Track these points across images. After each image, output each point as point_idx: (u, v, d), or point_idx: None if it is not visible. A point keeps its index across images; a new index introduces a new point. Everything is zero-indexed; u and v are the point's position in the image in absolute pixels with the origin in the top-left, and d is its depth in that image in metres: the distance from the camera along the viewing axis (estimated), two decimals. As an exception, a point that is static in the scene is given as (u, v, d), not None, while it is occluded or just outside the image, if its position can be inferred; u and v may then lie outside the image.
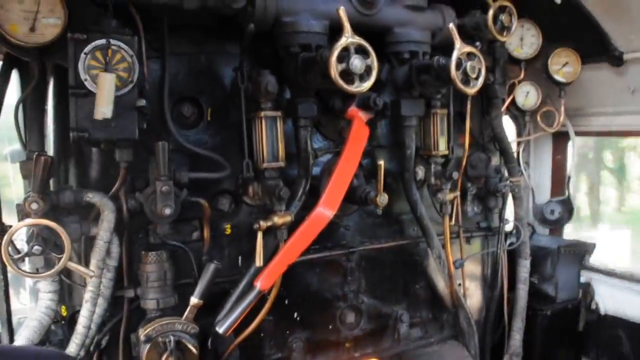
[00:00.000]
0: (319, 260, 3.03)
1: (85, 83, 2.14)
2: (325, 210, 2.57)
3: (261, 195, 2.60)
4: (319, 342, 3.15)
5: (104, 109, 2.09)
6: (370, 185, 2.91)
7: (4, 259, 2.03)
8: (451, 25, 2.71)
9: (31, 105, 2.41)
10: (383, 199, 2.74)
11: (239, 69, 2.57)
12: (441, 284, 3.46)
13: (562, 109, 3.68)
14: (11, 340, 2.39)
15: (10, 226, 2.13)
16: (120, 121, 2.18)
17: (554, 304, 3.91)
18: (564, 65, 3.57)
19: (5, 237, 2.02)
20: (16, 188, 2.48)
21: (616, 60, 3.36)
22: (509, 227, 3.80)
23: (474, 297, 3.80)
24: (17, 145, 2.78)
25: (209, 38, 2.69)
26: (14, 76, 2.50)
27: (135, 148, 2.36)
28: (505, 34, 3.06)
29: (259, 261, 2.54)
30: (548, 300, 3.93)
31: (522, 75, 3.61)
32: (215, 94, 2.71)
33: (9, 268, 2.08)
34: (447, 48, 2.79)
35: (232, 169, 2.62)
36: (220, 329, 2.47)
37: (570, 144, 4.01)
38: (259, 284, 2.50)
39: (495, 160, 3.66)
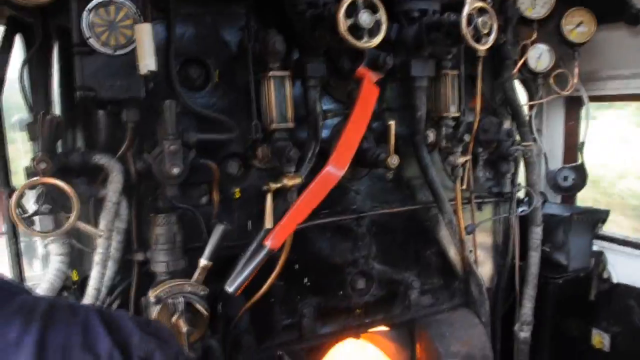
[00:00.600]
0: (329, 225, 3.00)
1: (89, 41, 2.10)
2: (334, 169, 2.54)
3: (270, 157, 2.57)
4: (330, 308, 3.14)
5: (147, 62, 2.04)
6: (380, 148, 2.86)
7: (13, 217, 2.02)
8: (462, -19, 2.64)
9: (36, 67, 2.38)
10: (394, 160, 2.69)
11: (245, 28, 2.52)
12: (452, 251, 3.43)
13: (576, 71, 3.59)
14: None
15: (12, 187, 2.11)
16: (126, 80, 2.14)
17: (565, 272, 3.86)
18: (578, 25, 3.47)
19: (14, 195, 2.00)
20: (26, 157, 2.46)
21: (634, 19, 3.25)
22: (521, 193, 3.74)
23: (485, 265, 3.77)
24: (25, 114, 2.76)
25: (214, -1, 2.64)
26: (18, 41, 2.47)
27: (143, 110, 2.32)
28: (517, -10, 2.98)
29: (269, 223, 2.52)
30: (560, 269, 3.88)
31: (534, 36, 3.51)
32: (222, 55, 2.66)
33: (19, 227, 2.07)
34: (457, 6, 2.73)
35: (240, 131, 2.58)
36: (230, 288, 2.46)
37: (583, 109, 3.93)
38: (268, 243, 2.47)
39: (507, 124, 3.59)
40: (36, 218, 2.18)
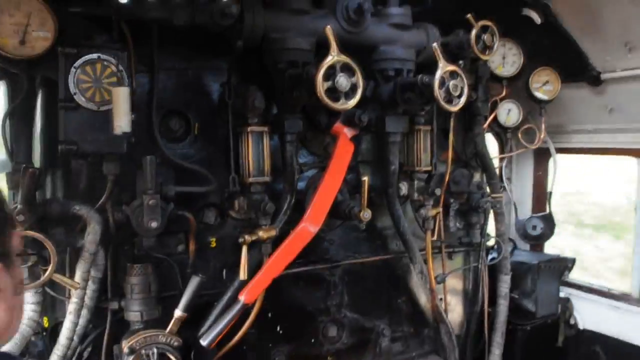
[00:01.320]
0: (302, 274, 3.06)
1: (75, 97, 2.17)
2: (309, 226, 2.61)
3: (247, 209, 2.64)
4: (301, 355, 3.17)
5: (121, 123, 2.12)
6: (354, 201, 2.95)
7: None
8: (435, 45, 2.78)
9: (19, 117, 2.43)
10: (367, 214, 2.78)
11: (226, 84, 2.61)
12: (423, 299, 3.51)
13: (543, 126, 3.77)
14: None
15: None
16: (108, 135, 2.20)
17: (534, 319, 3.96)
18: (544, 83, 3.66)
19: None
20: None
21: (594, 79, 3.46)
22: (490, 242, 3.86)
23: (455, 312, 3.85)
24: (2, 156, 2.78)
25: (197, 53, 2.73)
26: (1, 89, 2.52)
27: (122, 161, 2.38)
28: (487, 53, 3.14)
29: (243, 275, 2.56)
30: (528, 315, 3.98)
31: (504, 93, 3.69)
32: (202, 108, 2.74)
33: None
34: (431, 65, 2.87)
35: (218, 182, 2.65)
36: (204, 342, 2.49)
37: (551, 160, 4.09)
38: (243, 297, 2.52)
39: (478, 176, 3.72)
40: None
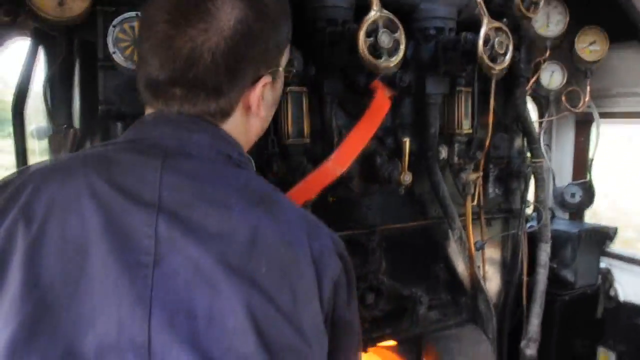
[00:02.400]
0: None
1: (114, 56, 2.14)
2: (334, 166, 2.52)
3: (285, 172, 2.60)
4: (338, 321, 3.15)
5: None
6: (392, 164, 2.88)
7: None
8: (479, 0, 2.68)
9: (59, 81, 2.42)
10: (407, 177, 2.72)
11: (265, 43, 2.54)
12: (461, 267, 3.45)
13: (588, 89, 3.62)
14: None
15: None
16: (147, 94, 2.17)
17: (572, 289, 3.88)
18: (590, 44, 3.51)
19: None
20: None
21: (645, 40, 3.30)
22: (529, 210, 3.76)
23: (492, 281, 3.78)
24: (41, 123, 2.80)
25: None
26: (41, 53, 2.51)
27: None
28: (533, 10, 3.01)
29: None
30: (567, 285, 3.90)
31: (547, 55, 3.55)
32: None
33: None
34: (472, 25, 2.77)
35: (256, 145, 2.60)
36: None
37: (594, 126, 3.95)
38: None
39: (518, 141, 3.61)
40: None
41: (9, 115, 2.45)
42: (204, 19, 1.28)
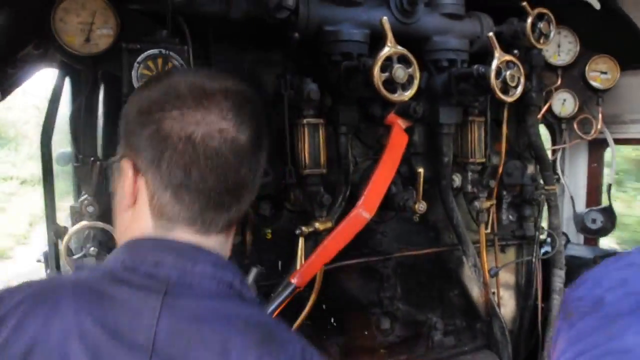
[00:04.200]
0: (355, 266, 3.06)
1: (137, 91, 2.23)
2: (363, 212, 2.61)
3: (302, 201, 2.65)
4: (355, 347, 3.17)
5: None
6: (407, 192, 2.93)
7: (64, 259, 2.12)
8: (490, 34, 2.75)
9: (84, 112, 2.51)
10: (422, 206, 2.76)
11: (282, 76, 2.62)
12: (475, 292, 3.46)
13: (600, 116, 3.66)
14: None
15: (65, 227, 2.21)
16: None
17: (588, 315, 3.85)
18: (601, 72, 3.55)
19: (66, 237, 2.11)
20: (59, 188, 2.57)
21: (656, 66, 3.33)
22: (543, 236, 3.77)
23: (507, 307, 3.78)
24: (63, 149, 2.89)
25: (251, 46, 2.75)
26: (67, 85, 2.61)
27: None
28: (543, 41, 3.06)
29: (300, 266, 2.58)
30: (583, 310, 3.87)
31: (558, 83, 3.60)
32: None
33: (67, 267, 2.17)
34: (485, 55, 2.83)
35: (274, 174, 2.67)
36: None
37: (608, 151, 3.97)
38: (294, 280, 2.54)
39: (531, 168, 3.64)
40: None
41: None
42: None
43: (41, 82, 2.87)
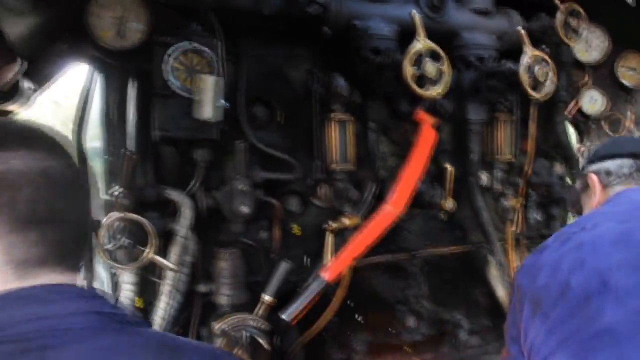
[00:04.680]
0: (382, 264, 3.05)
1: (169, 84, 2.25)
2: (392, 209, 2.60)
3: (330, 197, 2.65)
4: (380, 345, 3.15)
5: (205, 110, 2.18)
6: (435, 190, 2.92)
7: (100, 250, 2.15)
8: (521, 29, 2.72)
9: (116, 106, 2.54)
10: (450, 204, 2.75)
11: (311, 71, 2.62)
12: (501, 292, 3.42)
13: (629, 114, 3.60)
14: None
15: (97, 221, 2.24)
16: (200, 121, 2.26)
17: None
18: (632, 69, 3.50)
19: (102, 230, 2.14)
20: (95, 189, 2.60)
21: (688, 64, 3.27)
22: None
23: (533, 306, 3.73)
24: (92, 144, 2.93)
25: (281, 41, 2.75)
26: (99, 81, 2.64)
27: (212, 148, 2.45)
28: (573, 37, 3.03)
29: (328, 261, 2.58)
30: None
31: (587, 80, 3.55)
32: (286, 96, 2.77)
33: (99, 259, 2.20)
34: (513, 52, 2.81)
35: (301, 170, 2.67)
36: (284, 315, 2.51)
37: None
38: (324, 275, 2.54)
39: (559, 167, 3.59)
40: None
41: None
42: None
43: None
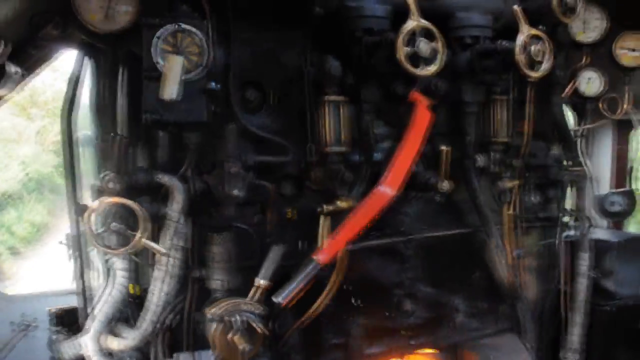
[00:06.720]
0: (378, 247, 3.02)
1: (158, 66, 2.21)
2: (387, 189, 2.57)
3: (324, 180, 2.62)
4: (376, 328, 3.14)
5: (170, 89, 2.14)
6: (430, 172, 2.89)
7: (88, 234, 2.12)
8: (516, 7, 2.68)
9: (106, 91, 2.50)
10: (445, 185, 2.72)
11: (303, 53, 2.59)
12: (498, 275, 3.40)
13: (627, 95, 3.56)
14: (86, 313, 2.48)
15: (85, 206, 2.22)
16: (190, 104, 2.24)
17: (614, 300, 3.78)
18: (630, 49, 3.45)
19: (87, 214, 2.11)
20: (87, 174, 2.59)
21: (687, 44, 3.23)
22: (566, 218, 3.69)
23: (530, 289, 3.71)
24: (85, 131, 2.90)
25: (272, 23, 2.71)
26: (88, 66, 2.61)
27: (202, 131, 2.41)
28: (569, 16, 2.98)
29: (322, 244, 2.56)
30: (608, 296, 3.80)
31: (584, 61, 3.51)
32: (278, 78, 2.72)
33: (89, 243, 2.18)
34: (508, 32, 2.76)
35: (294, 153, 2.64)
36: (278, 298, 2.48)
37: (633, 132, 3.88)
38: (317, 257, 2.51)
39: (555, 148, 3.56)
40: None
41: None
42: None
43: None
